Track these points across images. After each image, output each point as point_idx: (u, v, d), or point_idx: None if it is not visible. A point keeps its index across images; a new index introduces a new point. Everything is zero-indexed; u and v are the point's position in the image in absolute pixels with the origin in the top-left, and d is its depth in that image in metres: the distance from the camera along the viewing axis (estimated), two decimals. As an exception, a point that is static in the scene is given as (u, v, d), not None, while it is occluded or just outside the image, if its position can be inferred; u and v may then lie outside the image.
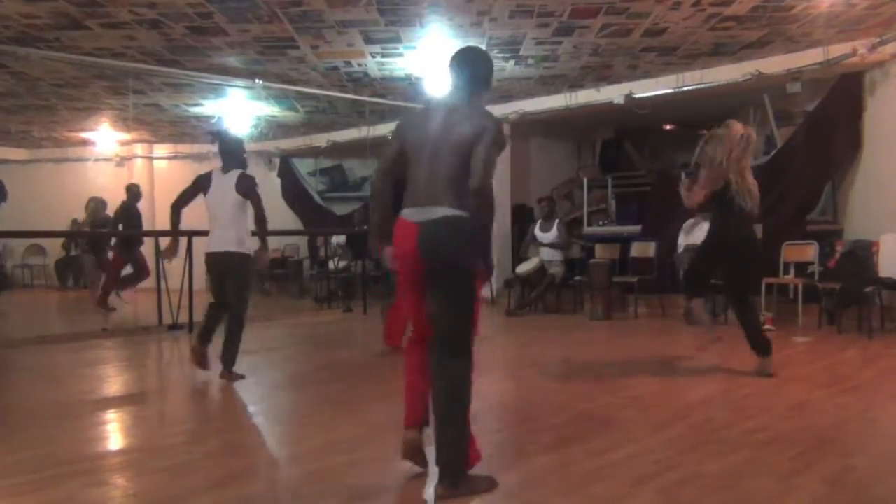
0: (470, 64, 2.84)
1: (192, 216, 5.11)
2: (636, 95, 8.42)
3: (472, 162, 2.63)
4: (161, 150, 12.99)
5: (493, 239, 3.18)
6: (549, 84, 8.63)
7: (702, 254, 5.16)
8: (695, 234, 7.56)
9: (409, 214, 2.73)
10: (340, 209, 12.48)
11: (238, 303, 4.90)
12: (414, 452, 2.87)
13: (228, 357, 4.89)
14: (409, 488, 2.80)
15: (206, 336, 4.99)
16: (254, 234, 5.00)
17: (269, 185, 12.84)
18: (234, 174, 4.91)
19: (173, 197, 5.02)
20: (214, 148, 5.16)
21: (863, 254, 6.67)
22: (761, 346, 4.80)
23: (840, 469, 2.92)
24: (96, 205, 10.17)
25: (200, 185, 4.93)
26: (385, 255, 2.90)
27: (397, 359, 5.68)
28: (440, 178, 2.67)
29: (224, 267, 4.84)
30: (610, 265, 8.37)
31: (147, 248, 9.18)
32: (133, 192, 9.28)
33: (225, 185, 4.90)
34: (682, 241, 7.82)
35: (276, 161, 13.06)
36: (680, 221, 7.77)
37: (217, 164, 5.07)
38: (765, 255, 7.46)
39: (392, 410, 4.03)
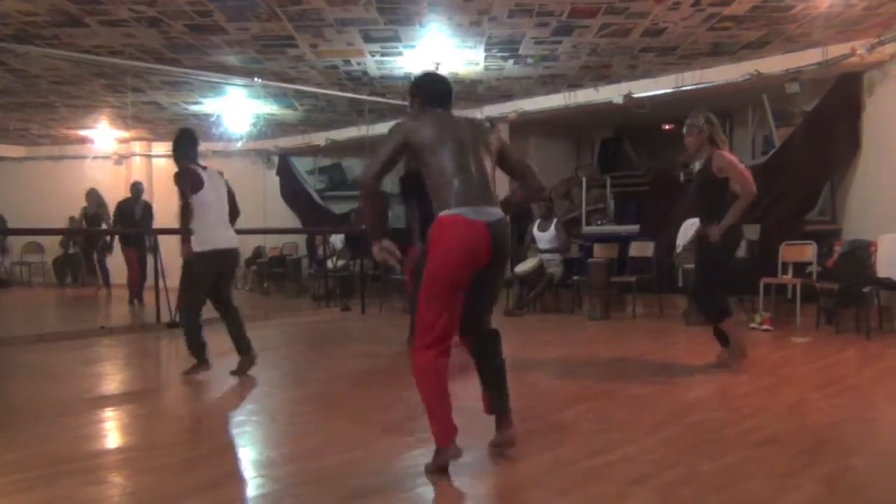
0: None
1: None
2: (635, 95, 8.42)
3: (521, 168, 3.17)
4: (160, 148, 12.95)
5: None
6: (549, 83, 8.63)
7: (724, 265, 4.86)
8: (694, 233, 7.55)
9: (470, 213, 2.82)
10: (339, 208, 12.46)
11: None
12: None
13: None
14: (408, 487, 2.80)
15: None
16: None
17: (268, 183, 12.87)
18: (217, 172, 5.00)
19: (172, 195, 5.05)
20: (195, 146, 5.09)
21: (861, 254, 6.66)
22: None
23: (838, 469, 2.92)
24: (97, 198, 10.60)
25: (200, 182, 4.83)
26: (383, 250, 2.95)
27: (395, 359, 5.69)
28: (485, 180, 2.92)
29: (234, 262, 5.03)
30: (608, 265, 8.37)
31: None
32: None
33: (218, 182, 4.96)
34: (681, 240, 7.81)
35: (275, 159, 13.05)
36: (678, 221, 7.76)
37: (218, 165, 5.07)
38: (763, 254, 7.53)
39: (391, 409, 4.04)
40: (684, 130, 4.86)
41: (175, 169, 4.95)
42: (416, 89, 3.17)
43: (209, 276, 4.82)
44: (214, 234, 4.80)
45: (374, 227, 3.02)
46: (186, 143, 4.97)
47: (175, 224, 5.08)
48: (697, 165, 4.93)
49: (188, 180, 4.79)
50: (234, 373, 4.95)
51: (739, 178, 4.62)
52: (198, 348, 4.89)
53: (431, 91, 3.14)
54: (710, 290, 4.94)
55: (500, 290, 3.19)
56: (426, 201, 3.01)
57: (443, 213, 2.83)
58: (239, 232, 5.16)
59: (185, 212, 4.75)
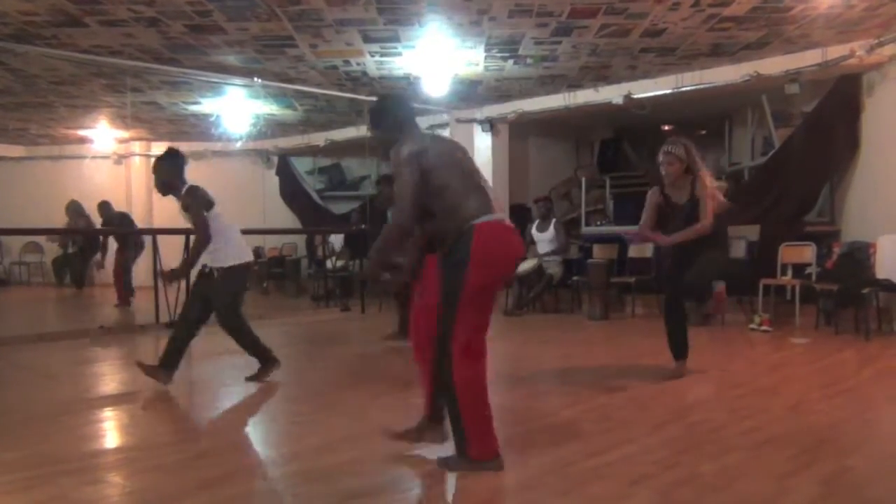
0: None
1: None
2: (635, 96, 8.42)
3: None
4: (159, 148, 12.90)
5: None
6: (548, 84, 8.63)
7: (724, 267, 4.99)
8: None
9: (502, 220, 2.89)
10: (338, 208, 12.48)
11: None
12: None
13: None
14: (406, 487, 2.80)
15: None
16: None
17: (268, 183, 12.87)
18: None
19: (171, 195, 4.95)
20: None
21: (860, 255, 6.67)
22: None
23: (837, 470, 2.92)
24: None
25: (210, 200, 4.67)
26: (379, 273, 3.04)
27: (395, 359, 5.69)
28: (491, 192, 2.96)
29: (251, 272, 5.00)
30: (608, 265, 8.37)
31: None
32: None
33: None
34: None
35: (275, 160, 13.06)
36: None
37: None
38: (763, 255, 7.54)
39: (390, 409, 4.04)
40: (660, 158, 4.68)
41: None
42: (389, 110, 3.10)
43: (244, 288, 4.81)
44: (241, 244, 4.75)
45: (390, 253, 2.95)
46: (181, 163, 4.75)
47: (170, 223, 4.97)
48: (675, 192, 4.80)
49: (201, 201, 4.58)
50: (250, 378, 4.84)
51: (705, 209, 4.52)
52: (261, 350, 4.80)
53: (405, 108, 3.11)
54: (706, 284, 5.01)
55: None
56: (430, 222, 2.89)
57: (477, 221, 2.74)
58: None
59: (205, 233, 4.50)
